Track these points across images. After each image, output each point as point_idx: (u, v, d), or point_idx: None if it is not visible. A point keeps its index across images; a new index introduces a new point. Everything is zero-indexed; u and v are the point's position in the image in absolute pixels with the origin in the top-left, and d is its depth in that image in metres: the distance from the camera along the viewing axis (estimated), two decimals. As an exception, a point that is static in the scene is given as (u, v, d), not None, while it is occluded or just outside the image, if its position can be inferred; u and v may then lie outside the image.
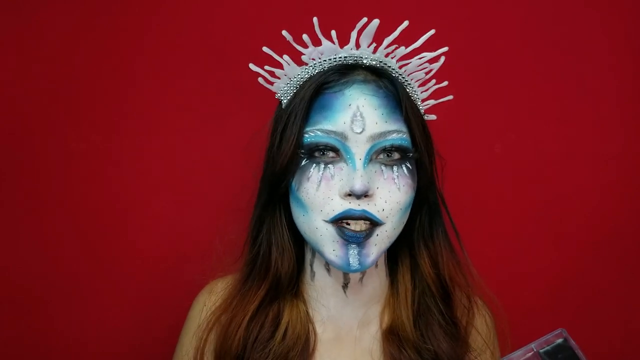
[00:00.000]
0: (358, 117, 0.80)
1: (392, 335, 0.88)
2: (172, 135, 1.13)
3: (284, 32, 0.81)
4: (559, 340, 0.73)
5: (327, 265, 0.89)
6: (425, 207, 0.91)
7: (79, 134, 1.11)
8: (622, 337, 1.17)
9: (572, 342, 0.73)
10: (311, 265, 0.91)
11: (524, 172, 1.17)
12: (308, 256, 0.92)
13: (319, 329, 0.90)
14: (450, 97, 0.92)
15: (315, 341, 0.89)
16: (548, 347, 0.73)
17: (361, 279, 0.89)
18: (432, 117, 0.94)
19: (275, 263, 0.89)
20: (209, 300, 0.93)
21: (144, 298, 1.13)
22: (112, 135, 1.12)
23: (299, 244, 0.91)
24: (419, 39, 0.83)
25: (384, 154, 0.81)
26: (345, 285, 0.89)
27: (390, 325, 0.89)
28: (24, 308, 1.11)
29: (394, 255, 0.94)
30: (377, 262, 0.89)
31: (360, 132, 0.79)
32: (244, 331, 0.87)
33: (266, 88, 0.89)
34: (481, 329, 0.93)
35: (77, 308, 1.12)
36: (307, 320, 0.89)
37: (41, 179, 1.11)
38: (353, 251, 0.79)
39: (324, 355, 0.88)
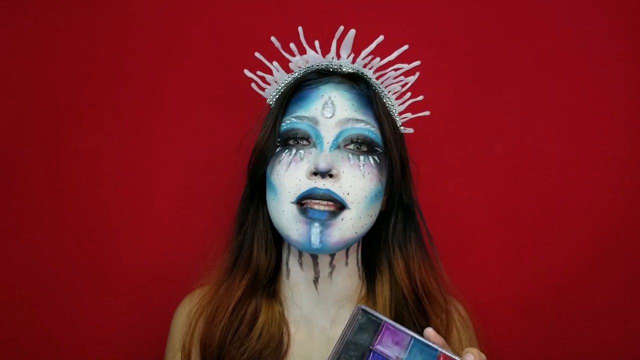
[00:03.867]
0: (329, 104, 0.88)
1: None
2: (166, 137, 1.15)
3: (273, 39, 0.90)
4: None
5: (300, 259, 0.93)
6: (400, 211, 0.96)
7: (79, 134, 1.14)
8: (622, 337, 1.16)
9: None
10: (287, 263, 0.95)
11: (524, 172, 1.17)
12: (285, 254, 0.95)
13: (292, 329, 0.93)
14: (427, 112, 0.97)
15: (289, 341, 0.91)
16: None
17: (330, 274, 0.92)
18: (409, 130, 0.99)
19: (257, 255, 0.93)
20: (189, 308, 0.95)
21: (141, 298, 1.13)
22: (107, 137, 1.14)
23: (277, 241, 0.95)
24: (408, 55, 0.91)
25: (353, 144, 0.87)
26: (316, 280, 0.92)
27: None
28: (22, 307, 1.12)
29: (372, 263, 0.97)
30: (347, 260, 0.93)
31: (330, 117, 0.87)
32: (227, 321, 0.90)
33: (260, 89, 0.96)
34: (455, 338, 0.95)
35: (75, 307, 1.13)
36: (282, 321, 0.93)
37: (41, 179, 1.13)
38: (315, 229, 0.83)
39: (297, 355, 0.91)
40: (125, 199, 1.15)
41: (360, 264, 0.96)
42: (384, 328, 0.70)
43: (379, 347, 0.69)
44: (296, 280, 0.94)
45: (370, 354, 0.69)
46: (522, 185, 1.17)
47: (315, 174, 0.84)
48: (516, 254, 1.17)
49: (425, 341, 0.69)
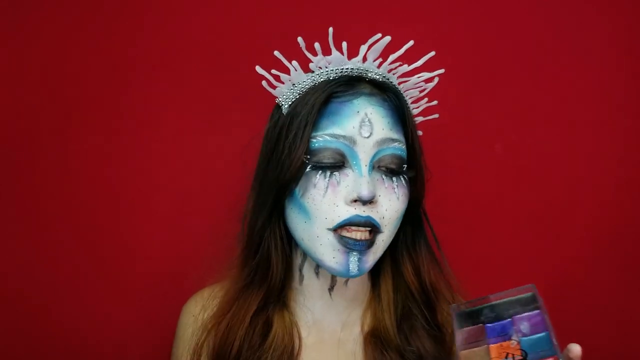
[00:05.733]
0: (367, 123, 0.83)
1: (374, 339, 0.90)
2: (171, 137, 1.14)
3: (299, 39, 0.84)
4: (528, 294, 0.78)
5: (317, 268, 0.90)
6: (409, 217, 0.93)
7: (84, 136, 1.12)
8: (622, 337, 1.18)
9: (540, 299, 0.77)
10: (300, 270, 0.92)
11: (524, 172, 1.18)
12: (297, 261, 0.92)
13: (303, 333, 0.91)
14: (436, 115, 0.97)
15: (300, 345, 0.90)
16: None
17: (346, 282, 0.91)
18: (418, 133, 0.97)
19: (276, 268, 0.90)
20: (197, 308, 0.94)
21: (143, 299, 1.13)
22: (111, 137, 1.12)
23: (289, 251, 0.92)
24: (419, 58, 0.88)
25: (385, 164, 0.84)
26: (331, 288, 0.91)
27: (373, 329, 0.91)
28: (23, 309, 1.10)
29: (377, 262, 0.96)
30: None
31: (368, 137, 0.82)
32: (243, 337, 0.88)
33: (265, 91, 0.91)
34: None
35: (75, 307, 1.12)
36: (293, 328, 0.91)
37: (46, 179, 1.11)
38: (354, 258, 0.82)
39: (309, 359, 0.90)
40: (130, 199, 1.14)
41: None
42: (536, 312, 0.75)
43: (516, 318, 0.75)
44: (310, 287, 0.92)
45: (506, 320, 0.75)
46: (522, 185, 1.19)
47: (356, 200, 0.81)
48: (516, 253, 1.19)
49: (555, 342, 0.72)
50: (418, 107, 0.95)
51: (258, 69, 0.89)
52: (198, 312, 0.93)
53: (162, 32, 1.13)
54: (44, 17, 1.10)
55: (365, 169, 0.82)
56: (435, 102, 0.95)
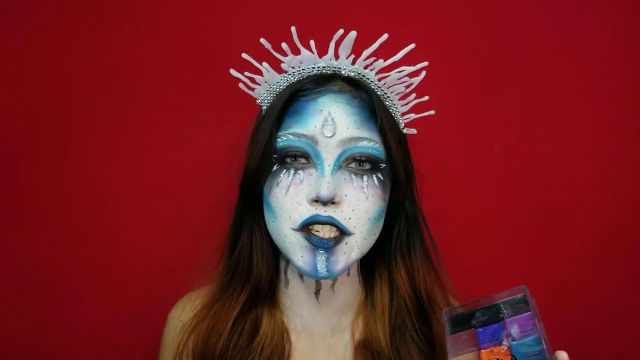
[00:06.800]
0: (329, 122, 0.80)
1: (364, 350, 0.88)
2: (171, 138, 1.14)
3: (262, 40, 0.82)
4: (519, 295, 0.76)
5: None
6: (403, 220, 0.91)
7: (80, 136, 1.12)
8: (622, 337, 1.17)
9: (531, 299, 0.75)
10: (285, 273, 0.91)
11: (524, 172, 1.17)
12: (282, 264, 0.91)
13: (293, 337, 0.90)
14: (432, 112, 0.92)
15: (290, 350, 0.89)
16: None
17: (332, 286, 0.89)
18: (413, 131, 0.93)
19: (257, 267, 0.89)
20: (185, 314, 0.93)
21: (143, 299, 1.13)
22: (111, 137, 1.13)
23: (276, 251, 0.91)
24: (410, 55, 0.84)
25: (355, 162, 0.81)
26: (317, 292, 0.89)
27: (365, 339, 0.89)
28: (23, 309, 1.12)
29: (370, 267, 0.93)
30: (349, 271, 0.89)
31: (331, 137, 0.80)
32: (227, 337, 0.87)
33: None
34: None
35: (74, 307, 1.13)
36: (284, 330, 0.90)
37: (41, 178, 1.12)
38: (321, 257, 0.79)
39: None
40: (130, 199, 1.15)
41: (359, 271, 0.93)
42: (526, 315, 0.74)
43: (507, 322, 0.74)
44: (296, 290, 0.91)
45: (497, 323, 0.74)
46: (522, 186, 1.17)
47: (316, 200, 0.79)
48: (516, 254, 1.17)
49: (545, 345, 0.70)
50: (407, 104, 0.91)
51: (232, 71, 0.88)
52: (184, 317, 0.93)
53: (162, 32, 1.13)
54: (44, 17, 1.11)
55: (328, 169, 0.80)
56: (426, 98, 0.90)
